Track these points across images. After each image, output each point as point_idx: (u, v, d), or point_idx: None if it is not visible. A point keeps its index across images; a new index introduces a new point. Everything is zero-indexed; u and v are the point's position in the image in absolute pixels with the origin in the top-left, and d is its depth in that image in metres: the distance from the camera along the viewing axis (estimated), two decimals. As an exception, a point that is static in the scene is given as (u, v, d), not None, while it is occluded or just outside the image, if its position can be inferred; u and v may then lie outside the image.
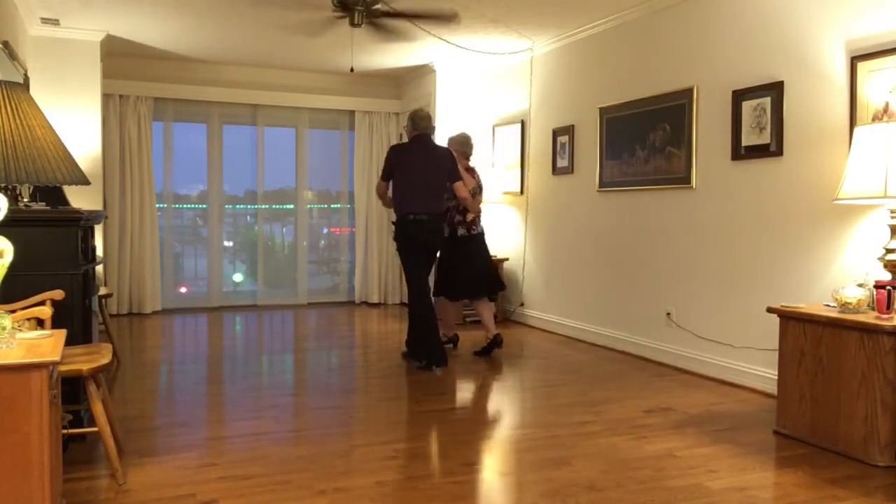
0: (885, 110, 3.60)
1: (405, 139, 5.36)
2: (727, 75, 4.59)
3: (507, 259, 7.05)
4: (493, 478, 3.00)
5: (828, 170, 3.90)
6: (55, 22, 5.91)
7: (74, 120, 6.10)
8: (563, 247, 6.35)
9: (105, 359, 2.87)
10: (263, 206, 8.10)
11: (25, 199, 3.13)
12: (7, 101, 2.77)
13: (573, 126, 6.17)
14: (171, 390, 4.48)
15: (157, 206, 7.44)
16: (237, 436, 3.45)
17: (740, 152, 4.48)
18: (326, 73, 7.99)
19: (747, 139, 4.42)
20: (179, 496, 2.70)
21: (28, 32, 5.95)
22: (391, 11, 5.17)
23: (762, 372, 4.29)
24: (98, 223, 4.73)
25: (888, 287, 3.15)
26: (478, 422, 3.81)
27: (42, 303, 2.86)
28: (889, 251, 3.33)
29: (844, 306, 3.28)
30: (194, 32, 6.29)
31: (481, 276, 5.55)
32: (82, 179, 2.92)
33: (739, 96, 4.46)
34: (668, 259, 5.12)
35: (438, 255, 5.42)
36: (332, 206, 8.47)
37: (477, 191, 5.55)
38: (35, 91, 5.50)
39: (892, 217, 3.35)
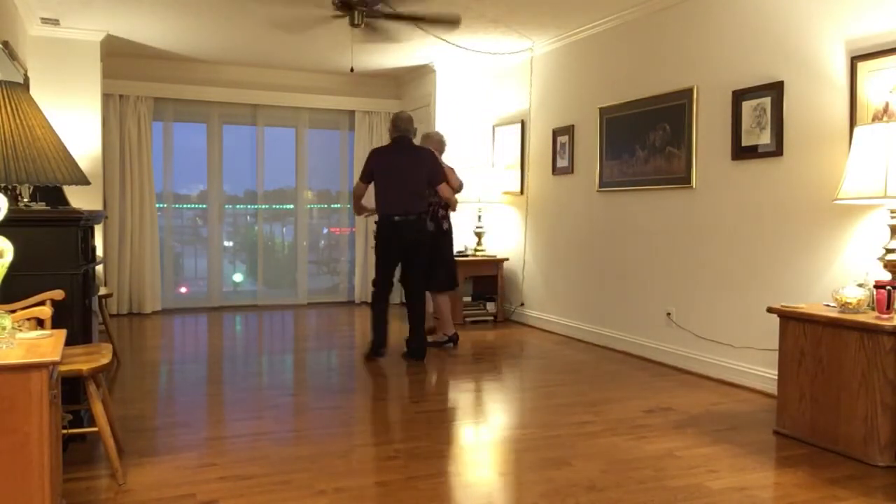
0: (885, 110, 3.60)
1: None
2: (727, 75, 4.59)
3: (507, 259, 7.05)
4: (493, 478, 3.00)
5: (828, 170, 3.90)
6: (55, 22, 5.91)
7: (74, 120, 6.10)
8: (563, 247, 6.35)
9: (105, 359, 2.87)
10: (263, 206, 8.10)
11: (25, 199, 3.13)
12: (7, 101, 2.77)
13: (573, 126, 6.17)
14: (171, 390, 4.48)
15: (157, 206, 7.44)
16: (237, 436, 3.45)
17: (740, 152, 4.48)
18: (326, 73, 8.00)
19: (747, 139, 4.42)
20: (179, 496, 2.70)
21: (28, 32, 5.95)
22: (393, 13, 5.17)
23: (762, 372, 4.29)
24: (98, 223, 4.73)
25: (888, 287, 3.15)
26: (478, 422, 3.81)
27: (42, 303, 2.86)
28: (889, 251, 3.33)
29: (844, 306, 3.28)
30: (194, 32, 6.29)
31: (454, 270, 5.82)
32: (82, 179, 2.92)
33: (739, 96, 4.46)
34: (668, 259, 5.12)
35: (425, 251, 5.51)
36: (332, 206, 8.47)
37: (460, 189, 5.76)
38: (35, 91, 5.50)
39: (892, 217, 3.35)
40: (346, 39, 6.23)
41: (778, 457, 3.23)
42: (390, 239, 5.18)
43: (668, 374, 4.79)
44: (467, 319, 6.84)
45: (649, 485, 2.85)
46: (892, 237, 3.35)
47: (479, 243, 7.13)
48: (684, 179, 4.94)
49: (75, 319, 3.17)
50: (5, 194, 2.34)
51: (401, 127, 5.25)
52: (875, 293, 3.18)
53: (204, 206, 7.88)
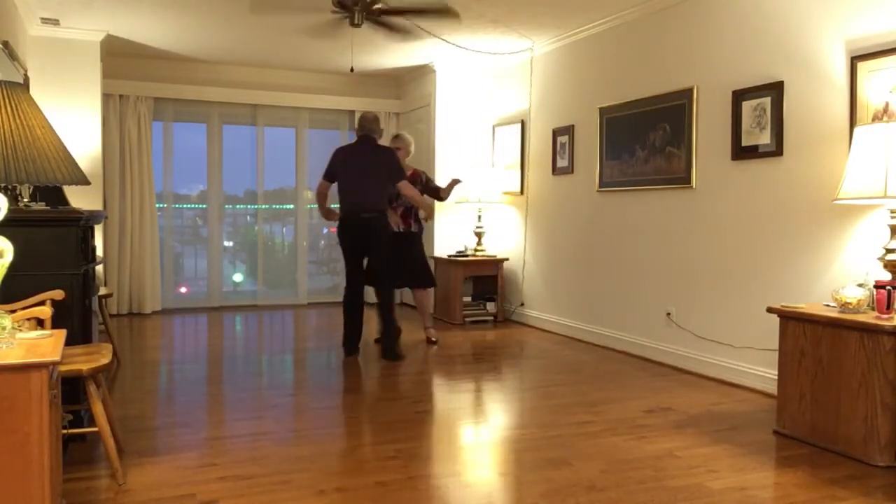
0: (885, 110, 3.60)
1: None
2: (727, 75, 4.59)
3: (507, 259, 7.05)
4: (493, 478, 3.00)
5: (828, 170, 3.90)
6: (55, 22, 5.91)
7: (74, 120, 6.10)
8: (563, 247, 6.35)
9: (105, 359, 2.87)
10: (263, 206, 8.10)
11: (25, 199, 3.13)
12: (7, 101, 2.77)
13: (573, 126, 6.17)
14: (171, 390, 4.48)
15: (157, 206, 7.44)
16: (237, 436, 3.45)
17: (740, 152, 4.48)
18: (326, 73, 8.00)
19: (747, 139, 4.42)
20: (179, 496, 2.70)
21: (28, 32, 5.95)
22: (390, 9, 5.17)
23: (762, 372, 4.29)
24: (98, 223, 4.73)
25: (888, 287, 3.15)
26: (478, 422, 3.81)
27: (42, 303, 2.86)
28: (889, 251, 3.33)
29: (844, 306, 3.28)
30: (194, 32, 6.29)
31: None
32: (82, 179, 2.92)
33: (739, 96, 4.46)
34: (668, 259, 5.12)
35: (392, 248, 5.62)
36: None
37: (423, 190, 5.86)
38: (35, 91, 5.50)
39: (892, 217, 3.35)
40: (346, 39, 6.23)
41: (778, 457, 3.23)
42: (349, 236, 5.23)
43: (668, 374, 4.79)
44: (467, 319, 6.84)
45: (649, 485, 2.85)
46: (892, 237, 3.35)
47: (479, 243, 7.12)
48: (684, 179, 4.94)
49: (75, 319, 3.17)
50: (5, 194, 2.34)
51: (365, 126, 5.31)
52: (875, 293, 3.18)
53: (204, 206, 7.88)
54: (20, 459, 1.94)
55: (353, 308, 5.32)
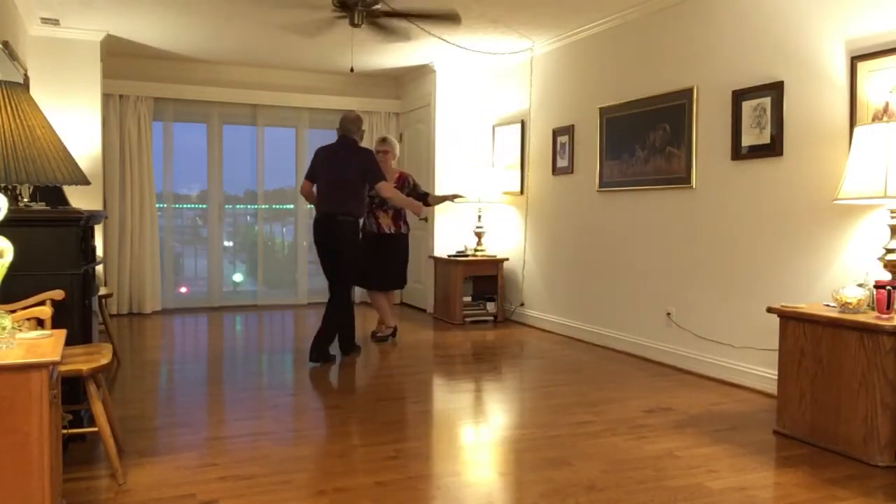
0: (885, 110, 3.60)
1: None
2: (727, 75, 4.59)
3: (507, 259, 7.05)
4: (493, 478, 3.00)
5: (828, 170, 3.90)
6: (55, 22, 5.91)
7: (74, 120, 6.10)
8: (563, 247, 6.35)
9: (105, 359, 2.87)
10: (263, 206, 8.10)
11: (25, 199, 3.13)
12: (7, 101, 2.77)
13: (573, 126, 6.17)
14: (171, 390, 4.48)
15: (157, 206, 7.44)
16: (237, 436, 3.45)
17: (740, 152, 4.48)
18: (326, 73, 8.00)
19: (747, 139, 4.42)
20: (179, 496, 2.70)
21: (28, 32, 5.95)
22: (391, 11, 5.17)
23: (762, 372, 4.29)
24: (98, 223, 4.73)
25: (888, 287, 3.15)
26: (478, 422, 3.81)
27: (42, 303, 2.86)
28: (889, 251, 3.33)
29: (844, 306, 3.28)
30: (194, 32, 6.29)
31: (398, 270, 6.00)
32: (82, 179, 2.92)
33: (739, 96, 4.46)
34: (668, 259, 5.12)
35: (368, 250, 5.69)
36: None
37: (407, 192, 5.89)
38: (35, 91, 5.50)
39: (892, 217, 3.35)
40: (346, 39, 6.23)
41: (778, 457, 3.23)
42: (320, 238, 5.16)
43: (668, 374, 4.79)
44: (467, 319, 6.84)
45: (649, 485, 2.85)
46: (892, 237, 3.35)
47: (479, 243, 7.12)
48: (684, 179, 4.94)
49: (75, 319, 3.17)
50: (5, 194, 2.34)
51: (343, 126, 5.26)
52: (875, 293, 3.18)
53: (204, 206, 7.88)
54: (20, 459, 1.94)
55: (334, 314, 5.22)
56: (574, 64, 6.18)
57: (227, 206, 7.99)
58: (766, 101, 4.27)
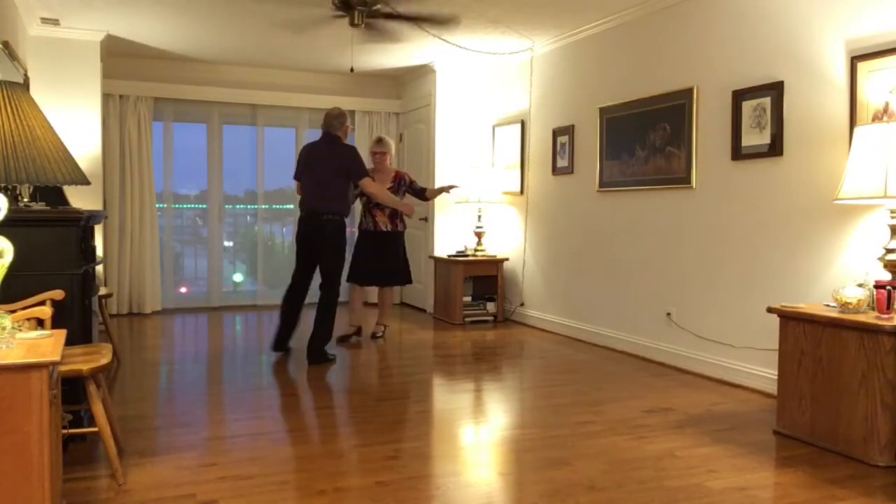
0: (885, 110, 3.60)
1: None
2: (727, 75, 4.59)
3: (507, 259, 7.05)
4: (493, 478, 3.00)
5: (828, 170, 3.90)
6: (55, 22, 5.91)
7: (74, 120, 6.10)
8: (563, 247, 6.35)
9: (105, 359, 2.87)
10: (263, 206, 8.10)
11: (25, 199, 3.14)
12: (7, 101, 2.76)
13: (573, 126, 6.17)
14: (170, 390, 4.48)
15: (157, 206, 7.44)
16: (237, 436, 3.45)
17: (740, 152, 4.48)
18: (326, 73, 8.00)
19: (747, 139, 4.42)
20: (179, 496, 2.70)
21: (28, 32, 5.95)
22: (392, 12, 5.17)
23: (762, 372, 4.29)
24: (98, 223, 4.73)
25: (888, 287, 3.15)
26: (478, 422, 3.81)
27: (42, 303, 2.86)
28: (889, 251, 3.33)
29: (844, 306, 3.28)
30: (194, 32, 6.29)
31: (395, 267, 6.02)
32: (82, 179, 2.92)
33: (739, 96, 4.46)
34: (668, 259, 5.12)
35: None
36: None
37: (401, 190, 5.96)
38: (35, 91, 5.50)
39: (892, 217, 3.35)
40: (346, 39, 6.24)
41: (778, 457, 3.23)
42: (302, 235, 5.19)
43: (667, 374, 4.79)
44: (467, 319, 6.84)
45: (649, 485, 2.85)
46: (892, 237, 3.35)
47: (479, 243, 7.12)
48: (684, 179, 4.94)
49: (75, 319, 3.17)
50: (5, 194, 2.34)
51: (326, 122, 5.26)
52: (875, 293, 3.18)
53: (204, 206, 7.88)
54: (20, 459, 1.94)
55: (289, 305, 5.34)
56: (574, 64, 6.18)
57: (226, 206, 7.99)
58: (766, 101, 4.27)
